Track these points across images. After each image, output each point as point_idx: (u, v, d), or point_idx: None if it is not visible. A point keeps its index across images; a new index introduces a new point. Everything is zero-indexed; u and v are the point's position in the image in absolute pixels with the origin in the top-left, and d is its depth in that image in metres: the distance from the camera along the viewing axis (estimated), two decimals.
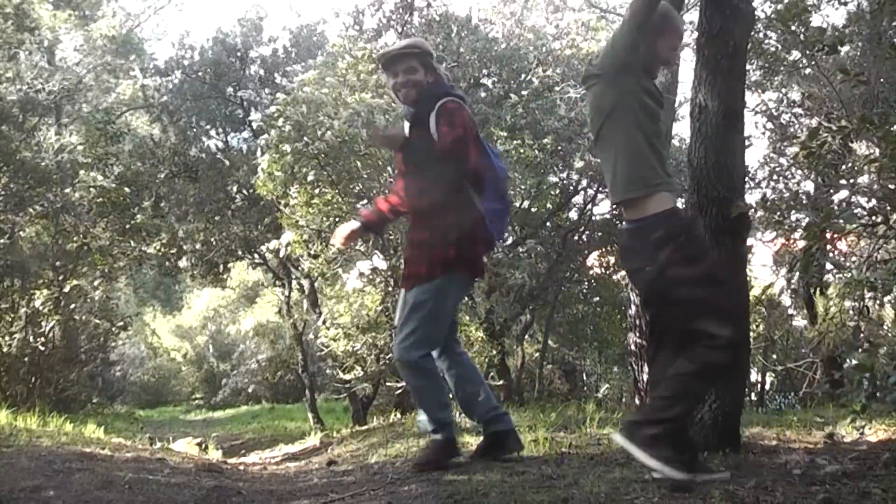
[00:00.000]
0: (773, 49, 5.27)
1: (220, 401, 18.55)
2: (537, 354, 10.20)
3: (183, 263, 10.76)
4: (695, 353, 2.64)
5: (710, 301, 2.63)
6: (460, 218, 3.24)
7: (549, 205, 8.79)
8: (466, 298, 8.26)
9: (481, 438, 3.52)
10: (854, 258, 6.01)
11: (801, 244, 3.92)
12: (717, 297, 2.64)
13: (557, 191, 8.73)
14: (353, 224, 3.44)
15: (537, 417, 5.45)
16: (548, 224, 8.76)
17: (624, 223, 2.87)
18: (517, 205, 8.09)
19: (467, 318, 8.33)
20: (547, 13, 11.75)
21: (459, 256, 3.25)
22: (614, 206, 3.04)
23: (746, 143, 3.92)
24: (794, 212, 3.55)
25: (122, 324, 10.11)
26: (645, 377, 7.43)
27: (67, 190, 8.80)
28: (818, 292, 7.56)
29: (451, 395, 3.44)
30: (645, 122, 2.73)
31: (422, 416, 3.34)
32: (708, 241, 3.27)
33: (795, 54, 5.27)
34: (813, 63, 4.92)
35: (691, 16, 7.80)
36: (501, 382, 8.56)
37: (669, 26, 2.79)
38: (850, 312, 5.66)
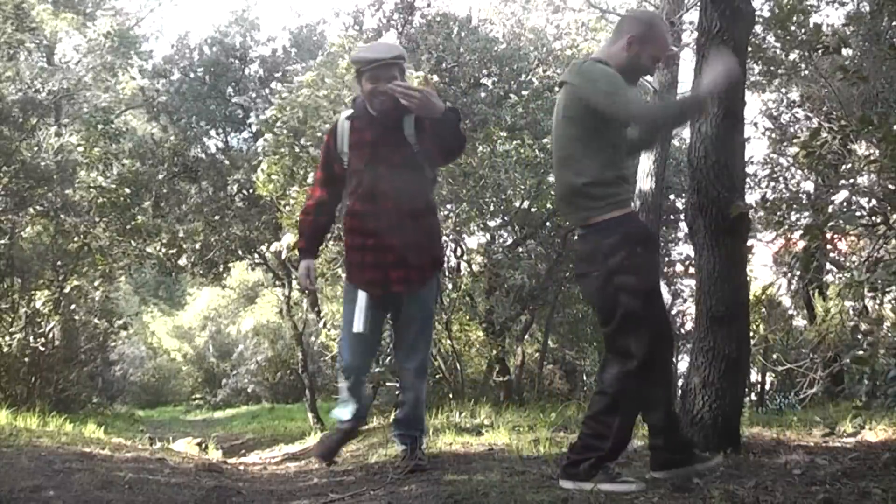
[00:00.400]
0: (772, 52, 5.27)
1: (220, 401, 18.55)
2: (537, 354, 10.19)
3: (183, 262, 10.75)
4: (607, 383, 2.64)
5: (643, 319, 2.58)
6: (436, 218, 3.37)
7: (548, 205, 8.78)
8: (467, 298, 8.28)
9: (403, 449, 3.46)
10: (854, 258, 6.00)
11: (801, 244, 3.92)
12: (650, 318, 2.59)
13: None
14: (308, 263, 3.39)
15: (537, 417, 5.45)
16: (547, 224, 8.76)
17: (578, 230, 2.82)
18: (517, 205, 8.09)
19: (468, 317, 8.34)
20: (547, 13, 11.76)
21: (442, 257, 3.37)
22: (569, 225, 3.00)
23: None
24: (793, 212, 3.55)
25: (121, 323, 10.11)
26: None
27: (67, 190, 8.79)
28: (818, 292, 7.56)
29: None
30: (613, 136, 2.70)
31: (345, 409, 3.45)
32: (707, 241, 3.28)
33: (794, 55, 5.27)
34: (812, 64, 4.92)
35: (691, 16, 7.82)
36: (501, 382, 8.57)
37: (655, 36, 2.76)
38: (850, 313, 5.66)
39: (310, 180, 6.40)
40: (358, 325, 3.18)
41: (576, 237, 2.84)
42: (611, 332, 2.65)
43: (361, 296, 3.21)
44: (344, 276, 3.34)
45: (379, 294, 3.22)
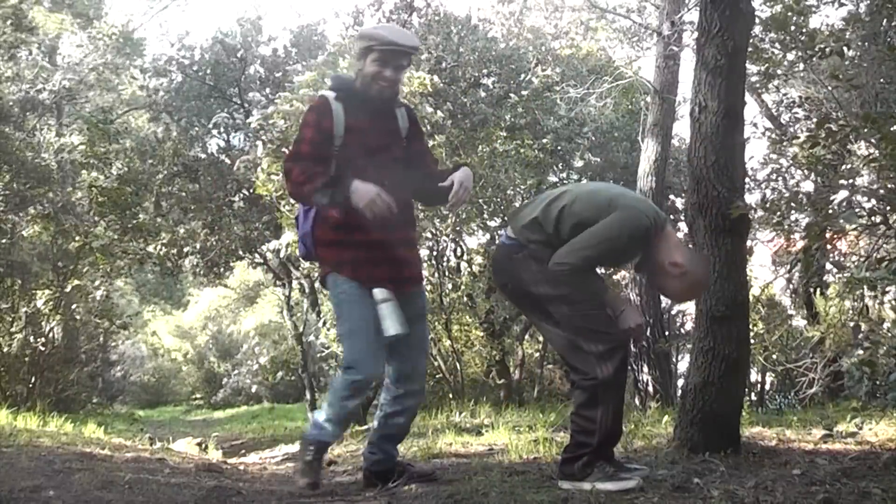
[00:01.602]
0: (770, 53, 5.25)
1: (220, 401, 18.55)
2: (537, 354, 10.20)
3: (186, 266, 10.76)
4: (579, 380, 2.67)
5: (582, 319, 2.67)
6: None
7: None
8: (466, 299, 8.28)
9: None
10: (854, 258, 6.01)
11: (801, 244, 3.91)
12: (588, 316, 2.67)
13: None
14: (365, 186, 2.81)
15: (537, 417, 5.46)
16: None
17: (505, 236, 2.94)
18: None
19: (468, 318, 8.34)
20: (546, 13, 11.76)
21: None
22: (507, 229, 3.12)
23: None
24: (794, 212, 3.55)
25: (121, 323, 10.10)
26: (645, 377, 7.45)
27: (68, 190, 8.79)
28: (818, 292, 7.56)
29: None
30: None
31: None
32: (707, 241, 3.28)
33: (791, 56, 5.26)
34: (808, 65, 4.91)
35: (691, 16, 7.82)
36: (501, 382, 8.57)
37: (694, 283, 2.82)
38: (850, 313, 5.66)
39: None
40: (397, 327, 2.83)
41: (498, 241, 2.99)
42: (557, 335, 2.77)
43: (382, 293, 2.85)
44: (339, 276, 2.91)
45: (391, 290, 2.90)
